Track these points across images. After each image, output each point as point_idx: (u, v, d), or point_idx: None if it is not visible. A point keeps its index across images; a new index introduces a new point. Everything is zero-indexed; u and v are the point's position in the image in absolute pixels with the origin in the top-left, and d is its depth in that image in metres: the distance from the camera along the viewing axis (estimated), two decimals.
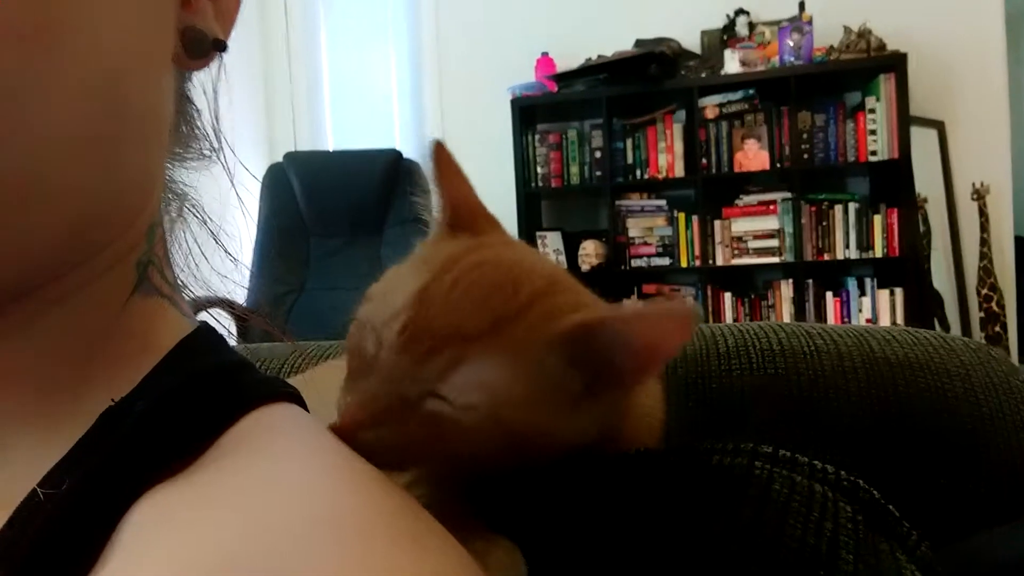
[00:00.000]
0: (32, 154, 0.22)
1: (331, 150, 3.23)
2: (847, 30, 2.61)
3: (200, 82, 0.35)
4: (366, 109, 3.30)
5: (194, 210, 0.34)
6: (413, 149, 3.16)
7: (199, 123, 0.34)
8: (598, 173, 2.83)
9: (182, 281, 0.34)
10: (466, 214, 0.33)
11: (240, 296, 0.41)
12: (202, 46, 0.30)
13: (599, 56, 2.78)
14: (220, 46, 0.31)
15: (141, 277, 0.28)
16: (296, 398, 0.29)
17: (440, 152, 0.33)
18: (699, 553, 0.25)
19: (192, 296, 0.35)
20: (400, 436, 0.26)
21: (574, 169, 2.87)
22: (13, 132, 0.21)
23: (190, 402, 0.25)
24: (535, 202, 2.98)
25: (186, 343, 0.29)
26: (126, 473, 0.22)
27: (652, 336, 0.27)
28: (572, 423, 0.28)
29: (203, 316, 0.35)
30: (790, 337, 0.48)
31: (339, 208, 2.20)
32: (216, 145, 0.35)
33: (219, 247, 0.35)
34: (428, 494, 0.28)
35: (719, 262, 2.71)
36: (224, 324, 0.35)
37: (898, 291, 2.57)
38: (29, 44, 0.21)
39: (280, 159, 2.38)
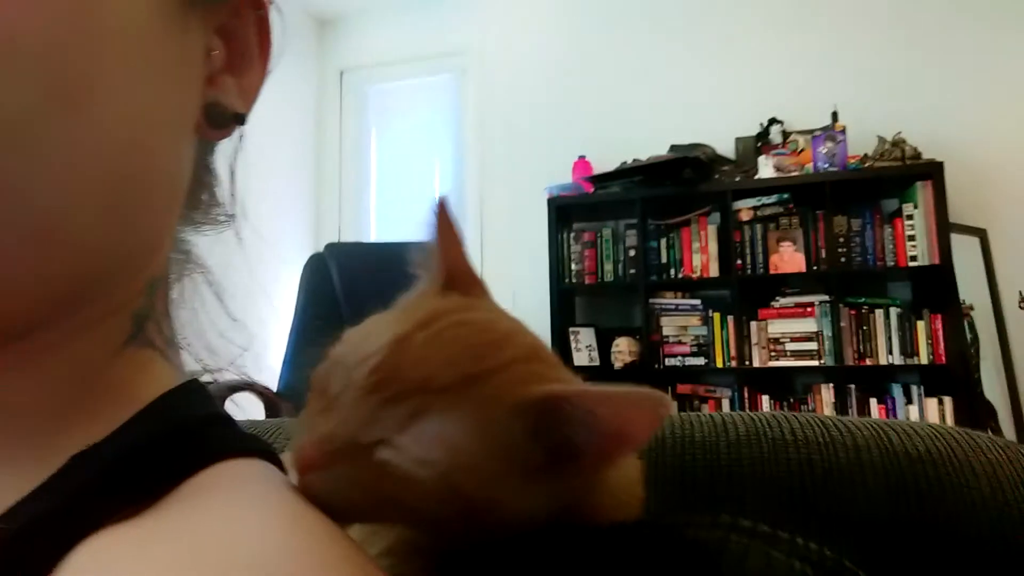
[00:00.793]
0: (48, 206, 0.23)
1: (372, 241, 3.34)
2: (881, 139, 2.65)
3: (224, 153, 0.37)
4: (410, 206, 3.43)
5: (201, 271, 0.35)
6: None
7: (217, 192, 0.36)
8: (632, 271, 2.85)
9: (193, 350, 0.35)
10: (460, 276, 0.33)
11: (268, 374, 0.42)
12: (223, 119, 0.32)
13: (634, 160, 2.87)
14: (240, 119, 0.33)
15: (137, 329, 0.29)
16: (271, 456, 0.28)
17: (443, 211, 0.33)
18: None
19: (204, 365, 0.36)
20: (351, 481, 0.26)
21: (608, 266, 2.90)
22: (31, 184, 0.23)
23: (155, 451, 0.25)
24: (569, 298, 3.00)
25: (168, 396, 0.29)
26: (77, 515, 0.22)
27: (618, 421, 0.26)
28: (526, 497, 0.27)
29: (232, 399, 0.36)
30: (804, 427, 0.47)
31: (376, 297, 2.24)
32: (231, 212, 0.36)
33: (222, 308, 0.36)
34: (395, 565, 0.27)
35: (756, 363, 2.65)
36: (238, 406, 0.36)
37: (947, 400, 2.45)
38: (53, 104, 0.23)
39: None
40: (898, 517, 0.40)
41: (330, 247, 2.48)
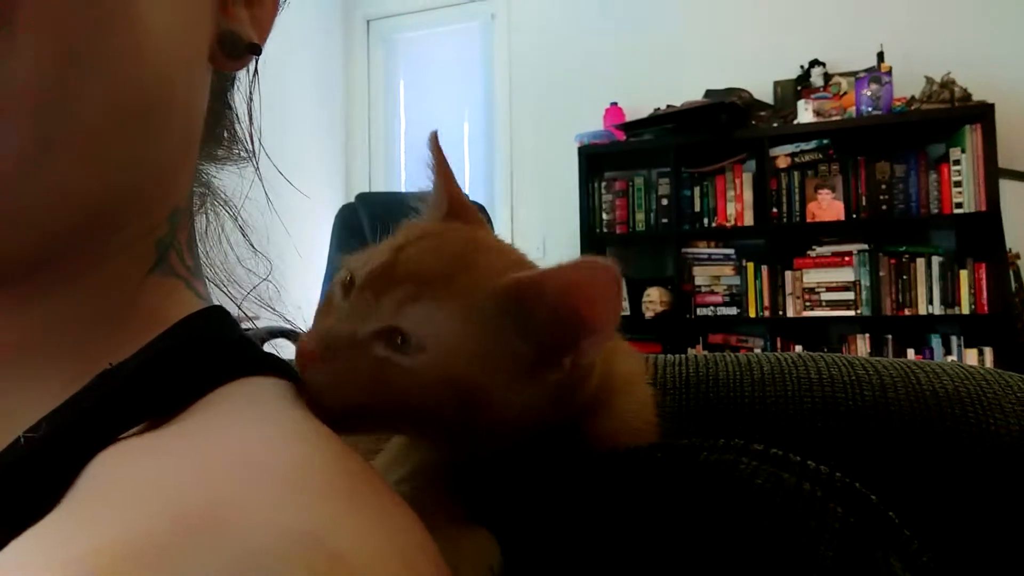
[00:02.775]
0: (89, 124, 0.24)
1: (402, 191, 3.35)
2: (929, 80, 2.53)
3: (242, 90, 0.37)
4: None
5: (225, 206, 0.36)
6: (482, 192, 3.24)
7: (237, 129, 0.37)
8: (664, 220, 2.81)
9: (227, 290, 0.36)
10: (460, 208, 0.35)
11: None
12: (237, 48, 0.32)
13: (668, 106, 2.80)
14: (255, 50, 0.33)
15: (160, 257, 0.30)
16: (288, 372, 0.29)
17: (435, 145, 0.35)
18: (672, 545, 0.24)
19: (241, 311, 0.37)
20: (351, 376, 0.27)
21: (640, 216, 2.86)
22: (79, 102, 0.24)
23: (175, 367, 0.26)
24: (600, 248, 2.97)
25: (191, 318, 0.30)
26: (100, 425, 0.23)
27: (574, 292, 0.27)
28: (522, 392, 0.28)
29: (268, 347, 0.38)
30: (830, 367, 0.46)
31: None
32: (250, 148, 0.37)
33: (247, 241, 0.36)
34: (414, 489, 0.28)
35: (789, 313, 2.62)
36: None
37: (987, 351, 2.40)
38: (78, 34, 0.23)
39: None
40: (923, 455, 0.40)
41: (361, 197, 2.49)
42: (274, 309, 0.39)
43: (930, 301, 2.49)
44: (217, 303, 0.33)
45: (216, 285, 0.37)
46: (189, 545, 0.16)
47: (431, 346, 0.26)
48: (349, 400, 0.27)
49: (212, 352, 0.28)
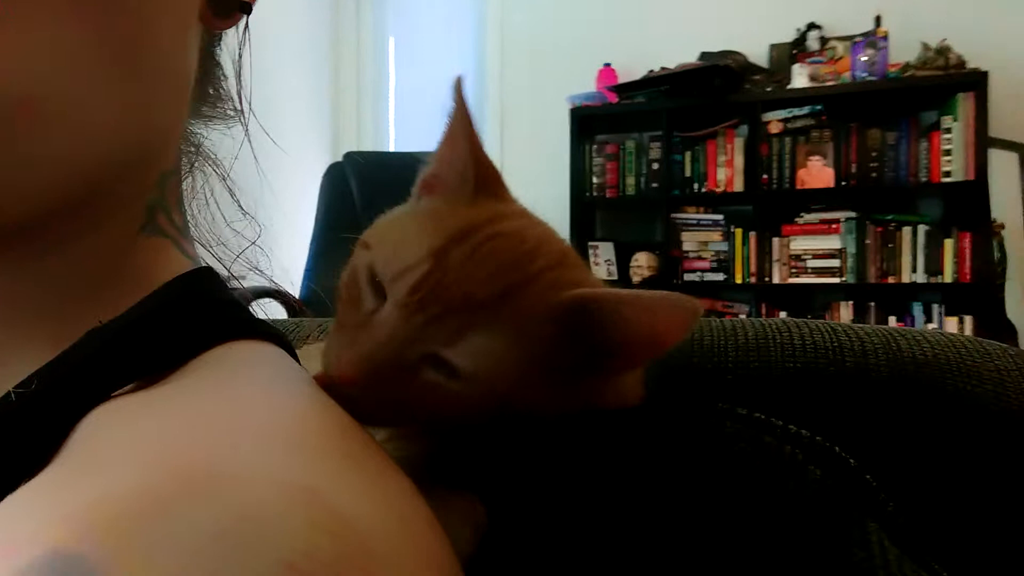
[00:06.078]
0: (66, 92, 0.23)
1: (391, 151, 3.31)
2: (925, 46, 2.51)
3: (229, 48, 0.36)
4: (429, 114, 3.37)
5: (212, 165, 0.36)
6: None
7: (225, 86, 0.36)
8: (654, 185, 2.80)
9: (205, 242, 0.36)
10: (490, 180, 0.32)
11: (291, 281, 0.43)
12: (228, 6, 0.31)
13: (662, 68, 2.76)
14: (245, 8, 0.32)
15: (149, 218, 0.30)
16: (278, 339, 0.29)
17: (461, 98, 0.31)
18: (653, 506, 0.24)
19: (228, 271, 0.37)
20: (392, 396, 0.26)
21: (630, 180, 2.85)
22: (52, 72, 0.23)
23: (165, 327, 0.26)
24: (589, 211, 2.97)
25: (181, 278, 0.30)
26: (91, 381, 0.23)
27: (651, 324, 0.26)
28: (560, 401, 0.28)
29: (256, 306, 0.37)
30: (813, 333, 0.47)
31: (393, 206, 2.25)
32: (238, 107, 0.36)
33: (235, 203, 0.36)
34: (400, 448, 0.29)
35: (775, 280, 2.64)
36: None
37: (967, 319, 2.44)
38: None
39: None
40: (902, 419, 0.41)
41: (349, 156, 2.46)
42: (261, 272, 0.38)
43: (914, 269, 2.52)
44: (205, 264, 0.33)
45: (203, 246, 0.37)
46: (188, 499, 0.16)
47: (483, 373, 0.26)
48: (384, 416, 0.26)
49: (204, 314, 0.27)
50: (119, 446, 0.20)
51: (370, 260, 0.28)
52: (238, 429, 0.20)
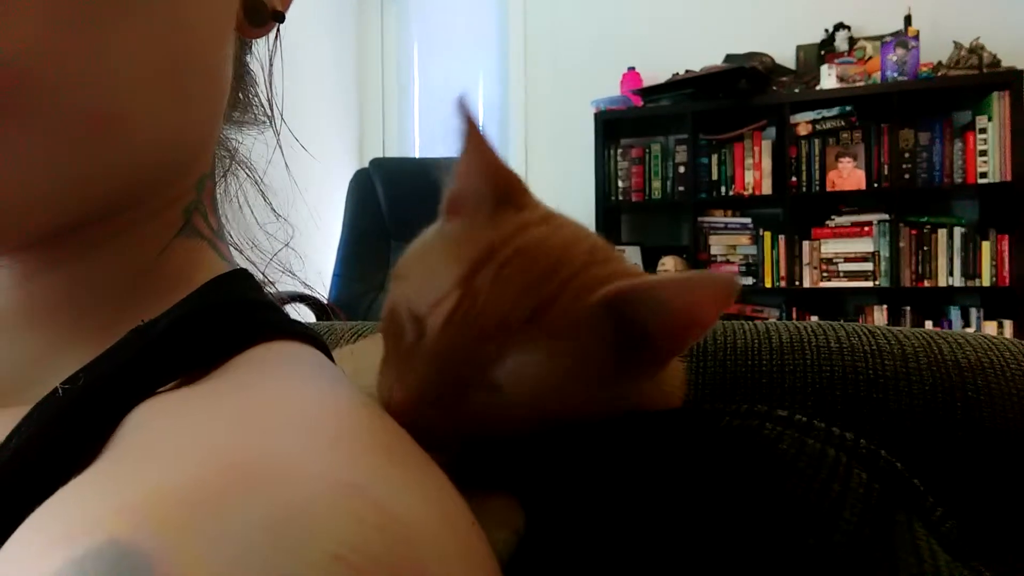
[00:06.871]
0: (113, 99, 0.24)
1: (416, 156, 3.33)
2: (957, 45, 2.45)
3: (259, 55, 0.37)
4: (453, 121, 3.38)
5: (246, 169, 0.36)
6: None
7: (255, 92, 0.37)
8: (681, 188, 2.77)
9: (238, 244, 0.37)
10: (510, 188, 0.32)
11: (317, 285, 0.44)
12: (262, 16, 0.32)
13: (687, 71, 2.74)
14: (278, 17, 0.33)
15: (187, 221, 0.30)
16: (315, 340, 0.29)
17: (467, 116, 0.31)
18: (694, 507, 0.24)
19: (264, 277, 0.37)
20: (444, 419, 0.27)
21: (656, 184, 2.83)
22: (98, 78, 0.24)
23: (206, 327, 0.26)
24: (615, 215, 2.95)
25: (219, 279, 0.30)
26: (136, 378, 0.24)
27: (688, 304, 0.26)
28: (605, 401, 0.28)
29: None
30: (850, 336, 0.46)
31: (420, 213, 2.25)
32: (269, 113, 0.37)
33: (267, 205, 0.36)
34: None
35: (806, 284, 2.59)
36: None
37: (1007, 323, 2.37)
38: (101, 8, 0.23)
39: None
40: (944, 425, 0.40)
41: (375, 163, 2.48)
42: (294, 274, 0.39)
43: (950, 273, 2.46)
44: (240, 266, 0.34)
45: (236, 250, 0.37)
46: (239, 493, 0.17)
47: (528, 390, 0.26)
48: (441, 445, 0.26)
49: (243, 314, 0.28)
50: (169, 440, 0.20)
51: (405, 293, 0.29)
52: (283, 425, 0.20)
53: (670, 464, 0.26)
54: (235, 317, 0.27)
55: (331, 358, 0.30)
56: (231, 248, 0.36)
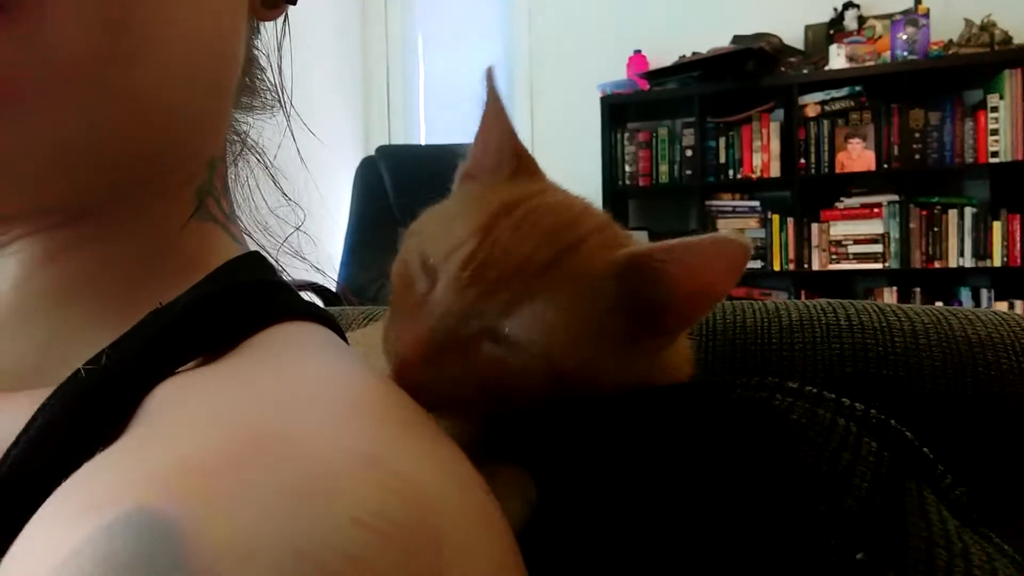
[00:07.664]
0: (142, 81, 0.25)
1: (422, 144, 3.32)
2: (968, 23, 2.42)
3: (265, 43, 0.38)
4: (459, 107, 3.37)
5: (257, 154, 0.37)
6: None
7: (263, 76, 0.37)
8: (688, 172, 2.76)
9: (247, 226, 0.37)
10: (526, 164, 0.32)
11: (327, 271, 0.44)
12: None
13: (694, 53, 2.72)
14: (291, 0, 0.33)
15: (200, 204, 0.31)
16: (329, 321, 0.30)
17: (492, 86, 0.31)
18: (706, 476, 0.24)
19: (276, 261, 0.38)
20: (455, 372, 0.26)
21: (663, 168, 2.81)
22: (130, 59, 0.24)
23: (222, 308, 0.27)
24: (622, 200, 2.94)
25: (233, 262, 0.31)
26: (156, 358, 0.24)
27: (702, 267, 0.26)
28: (616, 369, 0.28)
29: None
30: (860, 313, 0.46)
31: (427, 200, 2.25)
32: (279, 97, 0.37)
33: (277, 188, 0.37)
34: (453, 425, 0.29)
35: (815, 267, 2.58)
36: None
37: (1018, 303, 2.36)
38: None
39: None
40: (954, 401, 0.40)
41: (381, 150, 2.48)
42: (305, 257, 0.39)
43: (961, 253, 2.44)
44: (253, 248, 0.34)
45: (247, 234, 0.38)
46: (261, 460, 0.17)
47: (540, 342, 0.26)
48: (446, 395, 0.26)
49: (258, 295, 0.28)
50: (192, 415, 0.21)
51: (419, 245, 0.29)
52: (302, 400, 0.21)
53: (681, 435, 0.26)
54: (251, 298, 0.28)
55: (344, 339, 0.31)
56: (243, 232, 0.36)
